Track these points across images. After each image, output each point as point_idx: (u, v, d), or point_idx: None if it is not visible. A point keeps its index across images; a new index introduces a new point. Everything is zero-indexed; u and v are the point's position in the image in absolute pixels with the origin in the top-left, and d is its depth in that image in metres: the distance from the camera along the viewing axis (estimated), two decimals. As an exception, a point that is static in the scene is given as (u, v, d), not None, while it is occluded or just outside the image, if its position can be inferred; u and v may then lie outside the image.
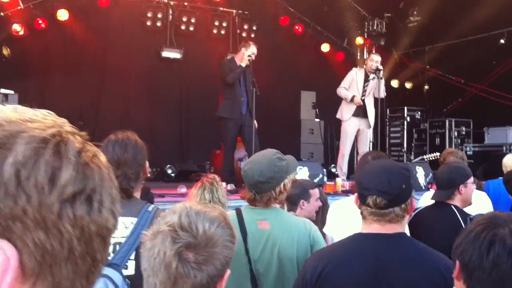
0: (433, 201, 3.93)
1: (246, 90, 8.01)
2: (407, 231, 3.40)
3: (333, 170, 10.08)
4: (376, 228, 2.25)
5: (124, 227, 2.38)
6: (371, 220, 2.25)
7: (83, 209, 0.73)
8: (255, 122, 7.80)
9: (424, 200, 4.57)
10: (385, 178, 2.23)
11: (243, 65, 7.80)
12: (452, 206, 3.63)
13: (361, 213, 2.29)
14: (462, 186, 3.67)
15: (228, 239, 1.51)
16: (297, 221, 2.99)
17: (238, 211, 2.96)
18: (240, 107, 7.93)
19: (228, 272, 1.53)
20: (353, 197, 3.63)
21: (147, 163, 2.61)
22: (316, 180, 7.11)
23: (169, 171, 10.25)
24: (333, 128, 11.60)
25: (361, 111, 8.69)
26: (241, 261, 2.79)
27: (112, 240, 2.34)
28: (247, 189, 2.91)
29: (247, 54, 7.82)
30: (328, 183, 7.82)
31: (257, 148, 7.07)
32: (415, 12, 12.41)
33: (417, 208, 3.73)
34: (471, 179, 3.80)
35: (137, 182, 2.54)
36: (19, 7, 9.48)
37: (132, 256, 2.28)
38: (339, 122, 9.11)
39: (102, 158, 0.80)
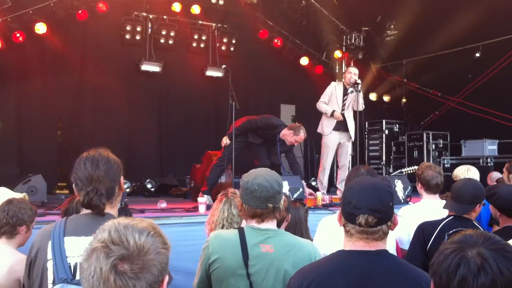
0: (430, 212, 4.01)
1: (269, 156, 8.11)
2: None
3: (313, 183, 10.11)
4: (361, 245, 2.27)
5: None
6: (357, 238, 2.26)
7: None
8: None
9: (404, 213, 4.60)
10: (375, 196, 2.25)
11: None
12: (473, 221, 3.73)
13: (347, 231, 2.30)
14: (479, 205, 3.78)
15: (160, 246, 1.55)
16: (301, 244, 2.93)
17: (241, 231, 2.89)
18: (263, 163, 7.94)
19: (167, 278, 1.57)
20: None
21: (122, 179, 2.60)
22: (296, 194, 7.12)
23: (149, 186, 10.19)
24: (313, 141, 11.65)
25: (341, 125, 8.74)
26: (242, 285, 2.76)
27: None
28: (254, 207, 2.82)
29: (294, 139, 7.85)
30: (308, 197, 7.83)
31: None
32: (392, 26, 12.58)
33: (441, 221, 3.76)
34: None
35: (111, 199, 2.53)
36: (-4, 21, 9.39)
37: None
38: (319, 135, 9.15)
39: None
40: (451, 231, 1.94)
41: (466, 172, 5.36)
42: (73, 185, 2.52)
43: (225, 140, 7.83)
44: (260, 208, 2.82)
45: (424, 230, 3.78)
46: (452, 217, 3.77)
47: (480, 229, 3.57)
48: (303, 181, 7.96)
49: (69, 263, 2.32)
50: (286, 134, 7.85)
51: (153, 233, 1.55)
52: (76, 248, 2.34)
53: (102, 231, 1.53)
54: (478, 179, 5.44)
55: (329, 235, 3.52)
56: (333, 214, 3.87)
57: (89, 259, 1.49)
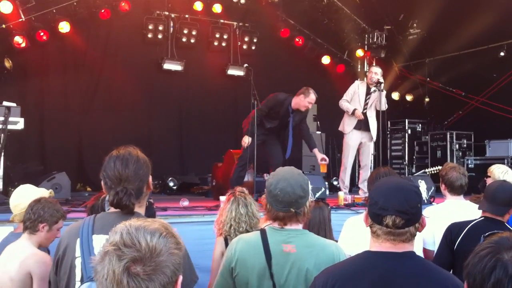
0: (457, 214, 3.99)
1: (293, 134, 8.10)
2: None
3: (335, 183, 10.07)
4: (388, 246, 2.23)
5: None
6: (384, 239, 2.23)
7: None
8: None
9: (428, 214, 4.54)
10: (402, 197, 2.20)
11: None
12: (505, 224, 3.70)
13: (374, 232, 2.26)
14: None
15: (173, 246, 1.55)
16: (325, 244, 2.87)
17: (263, 232, 2.85)
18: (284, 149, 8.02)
19: (181, 278, 1.57)
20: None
21: (150, 178, 2.59)
22: (318, 194, 7.10)
23: (171, 184, 10.23)
24: (334, 141, 11.59)
25: (363, 124, 8.68)
26: (265, 286, 2.74)
27: None
28: (277, 210, 2.79)
29: (307, 102, 7.94)
30: (321, 162, 7.99)
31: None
32: (414, 25, 12.48)
33: (470, 222, 3.73)
34: None
35: (139, 198, 2.53)
36: (20, 20, 9.47)
37: None
38: (340, 135, 9.11)
39: None
40: (486, 233, 1.92)
41: (503, 174, 5.30)
42: (102, 183, 2.51)
43: (246, 140, 7.83)
44: (282, 211, 2.79)
45: (451, 231, 3.76)
46: (483, 218, 3.74)
47: (510, 230, 3.53)
48: (316, 149, 8.09)
49: None
50: (298, 101, 7.94)
51: (165, 234, 1.55)
52: None
53: (114, 234, 1.54)
54: None
55: (354, 236, 3.49)
56: (358, 214, 3.82)
57: (102, 262, 1.50)
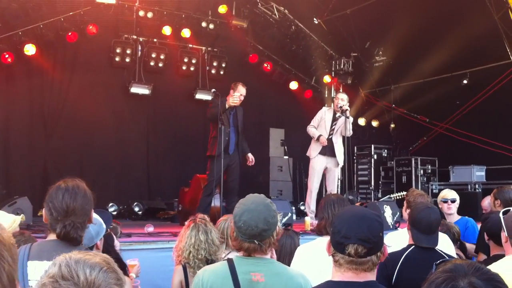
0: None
1: (236, 131, 8.14)
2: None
3: (302, 208, 10.08)
4: (350, 276, 2.24)
5: None
6: (346, 268, 2.23)
7: None
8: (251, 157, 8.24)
9: (390, 240, 4.55)
10: (364, 226, 2.22)
11: (227, 105, 8.02)
12: (437, 249, 3.66)
13: (336, 261, 2.26)
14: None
15: (112, 282, 1.50)
16: (292, 274, 2.86)
17: (230, 262, 2.81)
18: (228, 146, 7.99)
19: None
20: (318, 241, 3.57)
21: (92, 212, 2.70)
22: (285, 219, 7.08)
23: (136, 209, 10.07)
24: (302, 166, 11.64)
25: (328, 150, 8.75)
26: None
27: None
28: (242, 240, 2.76)
29: (235, 95, 8.01)
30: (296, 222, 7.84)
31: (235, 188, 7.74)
32: (380, 52, 12.69)
33: (403, 252, 3.70)
34: None
35: (83, 231, 2.62)
36: (-15, 42, 9.37)
37: None
38: (307, 159, 9.16)
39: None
40: (438, 261, 1.92)
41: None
42: (46, 212, 2.57)
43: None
44: (247, 242, 2.78)
45: (387, 264, 3.59)
46: (413, 246, 3.70)
47: (444, 256, 3.55)
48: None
49: (31, 287, 2.35)
50: (229, 96, 8.04)
51: (105, 268, 1.51)
52: (39, 272, 2.37)
53: (53, 266, 1.50)
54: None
55: (306, 266, 3.40)
56: (308, 241, 3.75)
57: None
